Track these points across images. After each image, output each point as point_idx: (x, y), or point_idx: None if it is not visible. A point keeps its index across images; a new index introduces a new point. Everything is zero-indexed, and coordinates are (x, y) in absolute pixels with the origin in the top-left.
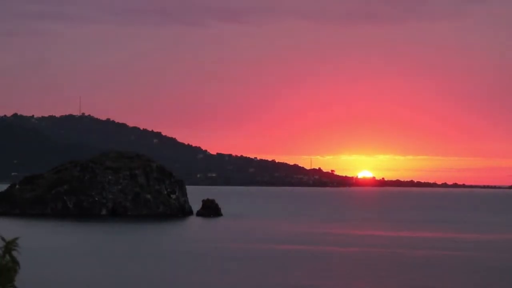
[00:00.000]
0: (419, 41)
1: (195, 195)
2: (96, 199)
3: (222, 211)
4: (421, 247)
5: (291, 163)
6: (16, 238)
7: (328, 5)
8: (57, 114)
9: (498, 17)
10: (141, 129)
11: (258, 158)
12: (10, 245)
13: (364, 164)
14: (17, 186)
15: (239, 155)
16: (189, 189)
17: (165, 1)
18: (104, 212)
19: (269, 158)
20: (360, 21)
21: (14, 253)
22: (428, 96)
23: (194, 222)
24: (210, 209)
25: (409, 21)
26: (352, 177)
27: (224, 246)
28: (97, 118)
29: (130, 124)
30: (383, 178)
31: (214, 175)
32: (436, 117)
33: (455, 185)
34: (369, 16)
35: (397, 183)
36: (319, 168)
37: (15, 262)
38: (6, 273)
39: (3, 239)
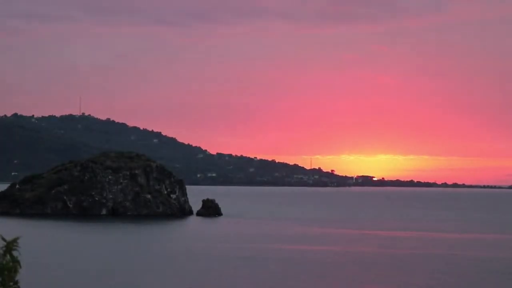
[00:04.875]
0: (421, 41)
1: (195, 195)
2: (96, 199)
3: (222, 211)
4: (420, 247)
5: (291, 163)
6: (17, 238)
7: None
8: (57, 114)
9: (486, 14)
10: (141, 129)
11: (258, 158)
12: (11, 245)
13: (364, 164)
14: (17, 186)
15: (239, 155)
16: (189, 189)
17: (166, 3)
18: (104, 212)
19: (269, 158)
20: (358, 20)
21: (15, 252)
22: (428, 96)
23: (194, 221)
24: (210, 209)
25: (404, 20)
26: (352, 177)
27: (224, 246)
28: (97, 118)
29: (130, 124)
30: (383, 178)
31: (214, 175)
32: (436, 117)
33: (455, 185)
34: (365, 16)
35: (397, 183)
36: (319, 168)
37: (15, 261)
38: (7, 273)
39: (3, 239)
